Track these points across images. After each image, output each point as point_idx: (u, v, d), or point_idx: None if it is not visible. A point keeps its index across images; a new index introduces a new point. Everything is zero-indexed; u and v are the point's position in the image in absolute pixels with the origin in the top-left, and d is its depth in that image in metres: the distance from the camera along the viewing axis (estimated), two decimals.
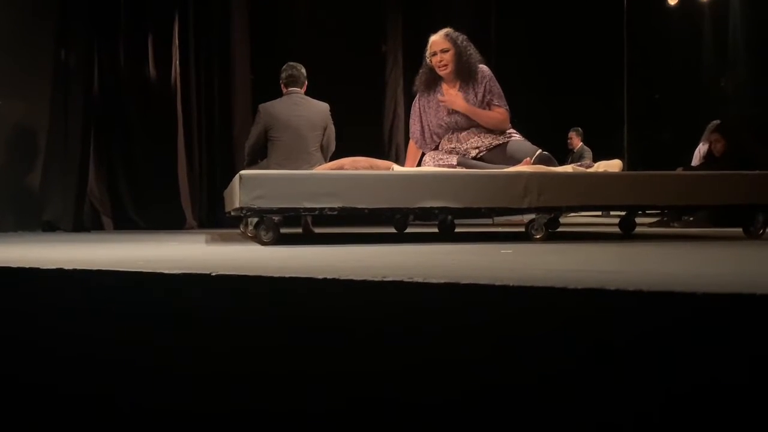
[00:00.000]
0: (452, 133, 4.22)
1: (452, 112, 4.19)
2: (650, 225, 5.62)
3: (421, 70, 4.35)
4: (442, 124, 4.24)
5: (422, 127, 4.36)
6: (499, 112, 4.16)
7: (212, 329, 1.62)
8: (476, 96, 4.17)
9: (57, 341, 1.77)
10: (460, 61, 4.17)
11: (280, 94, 5.19)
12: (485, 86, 4.17)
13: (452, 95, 4.15)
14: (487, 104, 4.18)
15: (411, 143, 4.52)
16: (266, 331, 1.57)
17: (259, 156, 5.19)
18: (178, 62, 6.62)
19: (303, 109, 5.07)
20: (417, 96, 4.41)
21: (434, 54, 4.20)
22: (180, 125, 6.58)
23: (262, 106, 5.13)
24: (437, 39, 4.21)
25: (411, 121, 4.47)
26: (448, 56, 4.17)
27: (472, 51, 4.21)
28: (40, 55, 5.82)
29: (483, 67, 4.24)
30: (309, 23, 7.53)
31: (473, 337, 1.37)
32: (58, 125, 5.81)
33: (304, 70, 5.16)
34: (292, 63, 5.19)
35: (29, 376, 1.77)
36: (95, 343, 1.72)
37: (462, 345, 1.38)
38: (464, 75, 4.19)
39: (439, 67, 4.19)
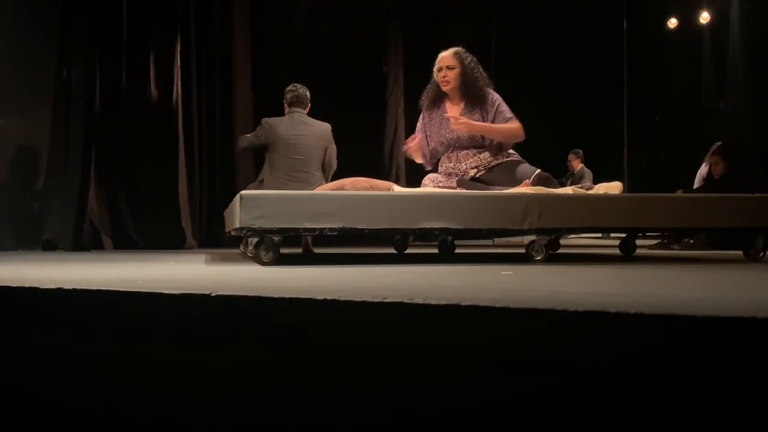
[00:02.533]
0: (452, 151, 4.23)
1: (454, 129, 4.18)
2: (650, 247, 5.61)
3: (428, 86, 4.37)
4: (444, 141, 4.25)
5: (425, 142, 4.36)
6: (513, 123, 4.15)
7: (211, 349, 1.62)
8: (483, 118, 4.17)
9: (56, 360, 1.76)
10: (464, 81, 4.19)
11: (281, 114, 5.21)
12: (496, 109, 4.18)
13: (463, 120, 4.09)
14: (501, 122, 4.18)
15: (409, 140, 4.49)
16: (265, 351, 1.57)
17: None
18: (179, 81, 6.63)
19: (305, 129, 5.10)
20: (422, 112, 4.42)
21: (440, 69, 4.23)
22: (181, 145, 6.59)
23: (265, 121, 5.15)
24: (446, 55, 4.24)
25: (414, 134, 4.44)
26: (452, 74, 4.19)
27: (479, 74, 4.23)
28: (42, 73, 5.83)
29: (492, 91, 4.25)
30: (310, 43, 7.57)
31: (473, 359, 1.36)
32: (58, 144, 5.82)
33: (308, 93, 5.19)
34: (297, 84, 5.22)
35: (28, 394, 1.76)
36: (94, 361, 1.72)
37: (462, 366, 1.37)
38: (469, 95, 4.20)
39: (442, 82, 4.22)
